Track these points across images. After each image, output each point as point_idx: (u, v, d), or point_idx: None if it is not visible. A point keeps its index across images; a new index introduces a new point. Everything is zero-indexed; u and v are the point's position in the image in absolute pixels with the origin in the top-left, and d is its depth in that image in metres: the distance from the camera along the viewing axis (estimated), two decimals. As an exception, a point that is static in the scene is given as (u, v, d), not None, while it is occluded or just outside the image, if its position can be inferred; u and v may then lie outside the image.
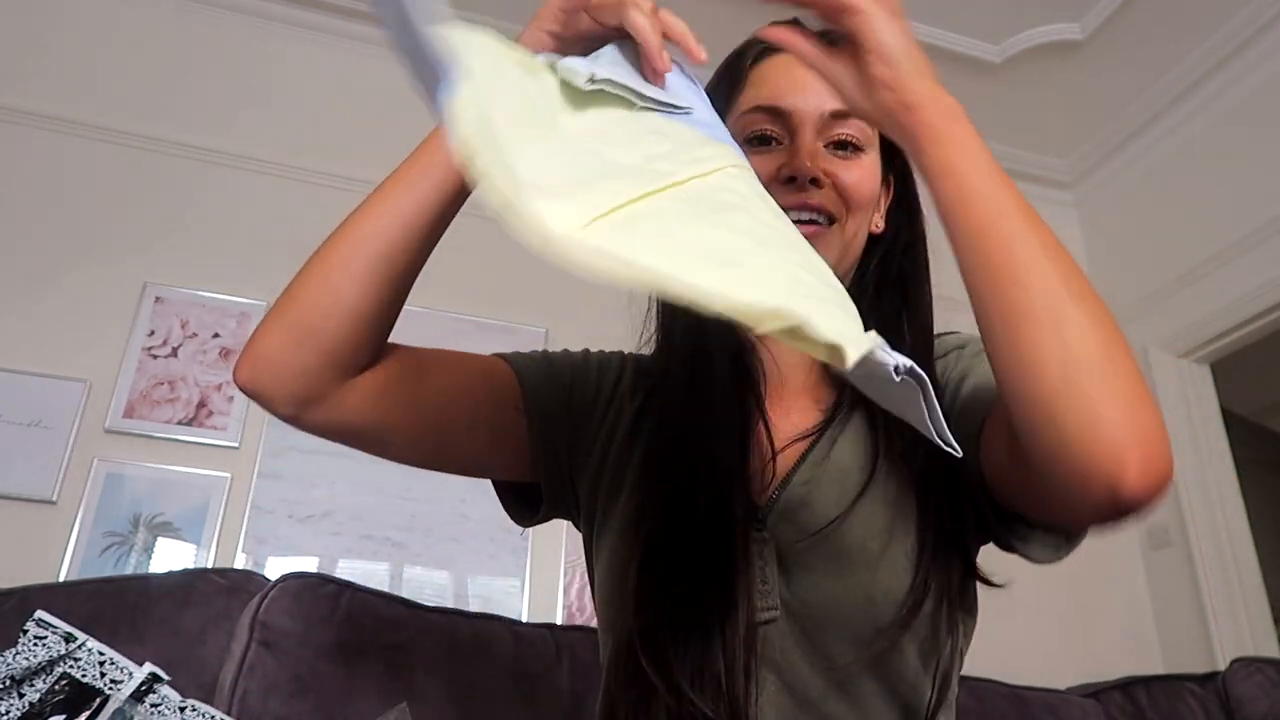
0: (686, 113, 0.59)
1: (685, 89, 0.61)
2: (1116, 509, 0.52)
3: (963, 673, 0.75)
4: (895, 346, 0.74)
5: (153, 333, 2.22)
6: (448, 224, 0.67)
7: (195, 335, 2.24)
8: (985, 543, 0.73)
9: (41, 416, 2.07)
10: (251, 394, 0.66)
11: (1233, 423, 2.81)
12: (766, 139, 0.77)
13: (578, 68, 0.55)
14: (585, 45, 0.63)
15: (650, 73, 0.59)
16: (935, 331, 0.80)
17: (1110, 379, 0.52)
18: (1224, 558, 2.54)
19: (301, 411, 0.67)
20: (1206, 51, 2.67)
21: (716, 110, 0.74)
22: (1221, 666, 1.82)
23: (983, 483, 0.67)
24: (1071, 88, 2.84)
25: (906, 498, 0.70)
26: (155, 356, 2.20)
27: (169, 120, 2.41)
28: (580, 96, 0.55)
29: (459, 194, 0.66)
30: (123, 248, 2.26)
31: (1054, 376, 0.52)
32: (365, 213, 0.66)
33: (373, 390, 0.68)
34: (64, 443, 2.06)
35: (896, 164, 0.84)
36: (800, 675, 0.67)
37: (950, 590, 0.69)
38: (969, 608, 0.74)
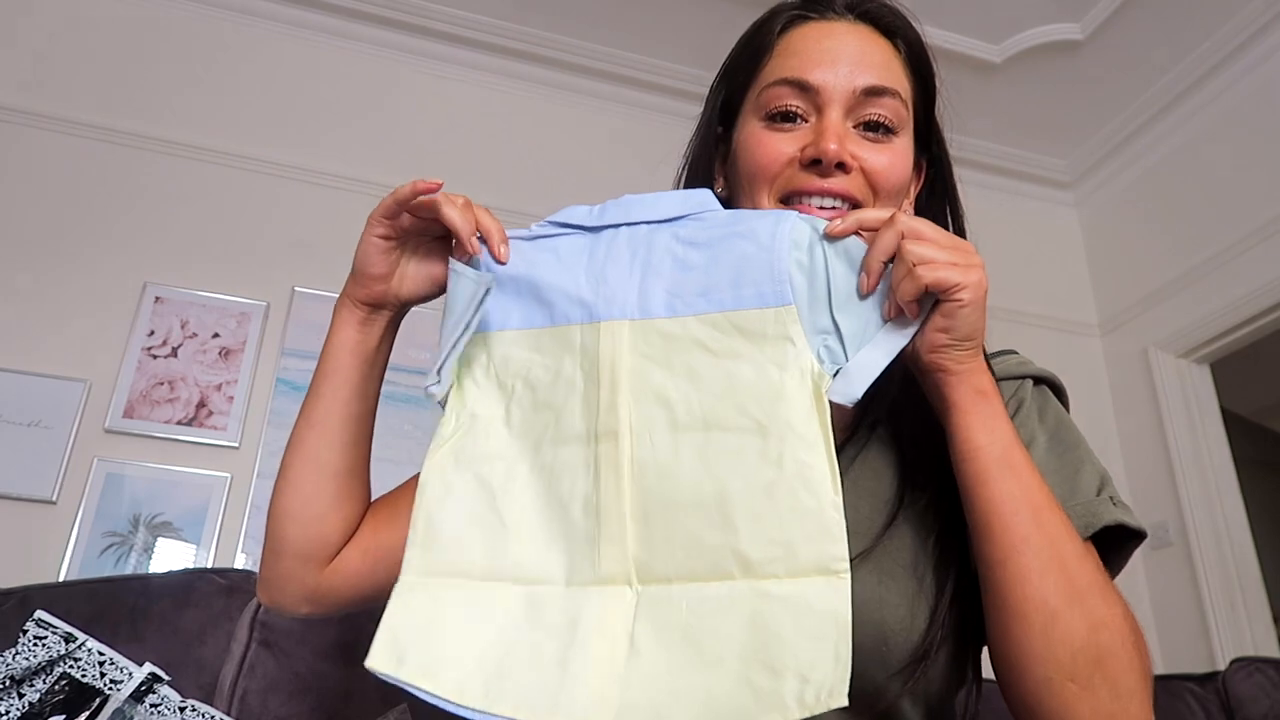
0: (479, 316, 0.63)
1: (522, 256, 0.65)
2: None
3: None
4: None
5: (153, 333, 2.22)
6: (369, 417, 0.72)
7: (195, 335, 2.24)
8: None
9: (41, 416, 2.07)
10: (273, 609, 0.74)
11: (1233, 423, 2.81)
12: (790, 115, 0.71)
13: (430, 385, 0.64)
14: (417, 238, 0.68)
15: (462, 255, 0.65)
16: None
17: (1091, 685, 0.55)
18: (1224, 558, 2.54)
19: (313, 608, 0.73)
20: (1206, 52, 2.67)
21: (740, 83, 0.77)
22: (1221, 666, 1.82)
23: None
24: (1071, 88, 2.84)
25: (932, 532, 0.66)
26: (155, 356, 2.20)
27: (169, 120, 2.41)
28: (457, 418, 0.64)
29: (362, 394, 0.70)
30: (123, 248, 2.26)
31: (1035, 677, 0.56)
32: (295, 431, 0.71)
33: (354, 562, 0.72)
34: (64, 443, 2.06)
35: (931, 148, 0.79)
36: None
37: (968, 636, 0.67)
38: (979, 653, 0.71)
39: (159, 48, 2.49)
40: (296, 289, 2.33)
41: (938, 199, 0.79)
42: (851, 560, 0.54)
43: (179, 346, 2.23)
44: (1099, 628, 0.56)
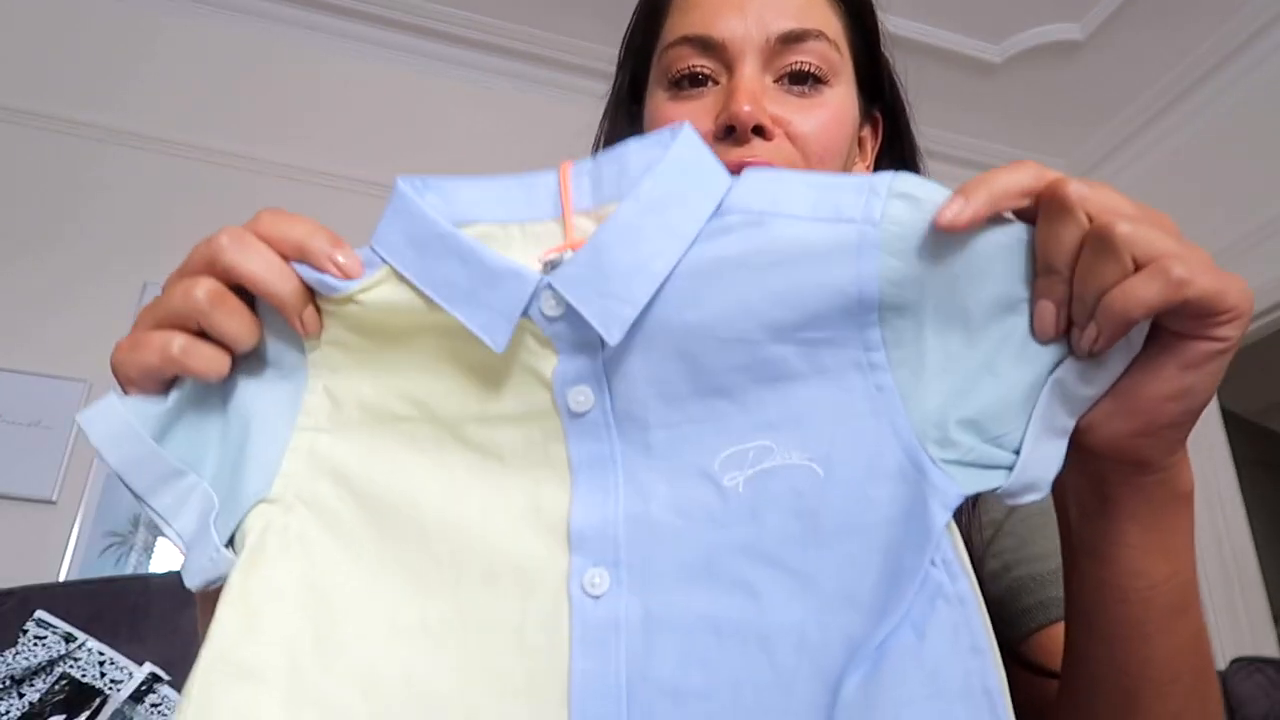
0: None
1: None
2: None
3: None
4: None
5: (153, 333, 2.22)
6: None
7: (195, 335, 2.24)
8: None
9: (41, 416, 2.07)
10: None
11: (1233, 423, 2.81)
12: (699, 79, 0.58)
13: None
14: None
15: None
16: None
17: None
18: (1224, 558, 2.54)
19: None
20: (1206, 52, 2.67)
21: (642, 50, 0.64)
22: (1221, 666, 1.82)
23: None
24: (1071, 88, 2.84)
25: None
26: (155, 356, 2.20)
27: (168, 121, 2.41)
28: None
29: None
30: (122, 247, 2.26)
31: None
32: None
33: None
34: (64, 443, 2.06)
35: (883, 95, 0.65)
36: None
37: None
38: None
39: (159, 48, 2.49)
40: (296, 289, 2.33)
41: (894, 159, 0.65)
42: None
43: (179, 346, 2.23)
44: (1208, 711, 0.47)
